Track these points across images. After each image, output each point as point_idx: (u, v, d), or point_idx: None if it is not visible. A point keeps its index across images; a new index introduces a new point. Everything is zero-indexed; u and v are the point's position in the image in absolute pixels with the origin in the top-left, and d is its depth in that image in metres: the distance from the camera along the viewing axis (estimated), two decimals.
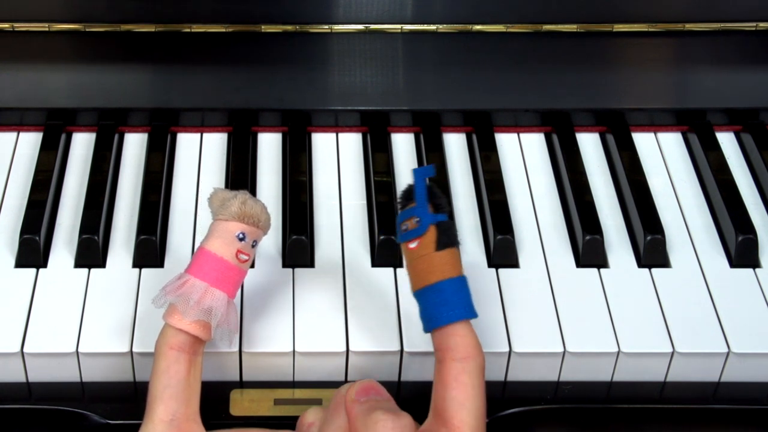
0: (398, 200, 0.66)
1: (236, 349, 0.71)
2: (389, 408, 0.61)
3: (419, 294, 0.64)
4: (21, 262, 0.76)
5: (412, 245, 0.64)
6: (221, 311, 0.64)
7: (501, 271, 0.78)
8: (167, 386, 0.62)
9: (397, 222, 0.66)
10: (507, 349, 0.72)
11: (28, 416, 0.71)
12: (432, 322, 0.63)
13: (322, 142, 0.89)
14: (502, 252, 0.78)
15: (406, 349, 0.72)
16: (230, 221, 0.66)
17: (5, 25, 0.88)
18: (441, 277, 0.63)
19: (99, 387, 0.72)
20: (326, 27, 0.90)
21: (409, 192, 0.65)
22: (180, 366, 0.63)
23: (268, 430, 0.65)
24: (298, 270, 0.77)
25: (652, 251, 0.79)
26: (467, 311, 0.63)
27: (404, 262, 0.66)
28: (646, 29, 0.92)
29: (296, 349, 0.71)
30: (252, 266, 0.77)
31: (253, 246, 0.67)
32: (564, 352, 0.72)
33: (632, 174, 0.85)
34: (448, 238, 0.64)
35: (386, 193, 0.82)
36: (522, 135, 0.90)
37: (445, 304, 0.62)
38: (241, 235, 0.66)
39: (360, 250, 0.79)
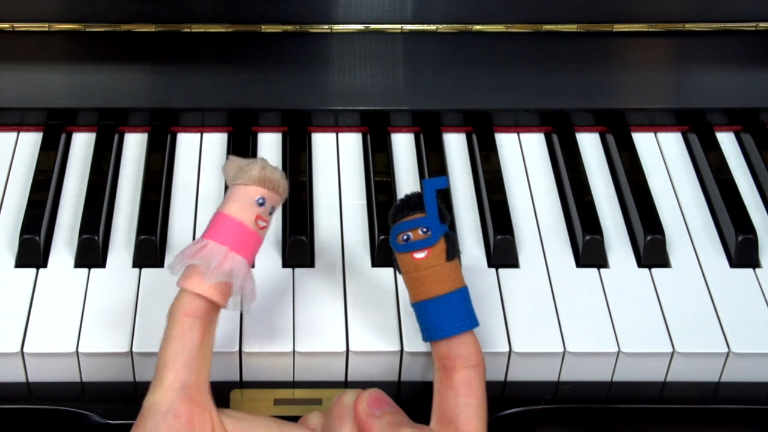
0: (395, 211, 0.65)
1: (236, 349, 0.71)
2: (410, 423, 0.62)
3: (425, 304, 0.64)
4: (21, 262, 0.76)
5: (420, 255, 0.64)
6: (243, 273, 0.63)
7: (501, 271, 0.78)
8: (180, 353, 0.61)
9: (395, 232, 0.65)
10: (507, 349, 0.72)
11: (28, 416, 0.71)
12: (441, 331, 0.63)
13: (322, 142, 0.89)
14: (502, 252, 0.78)
15: (406, 349, 0.72)
16: (250, 185, 0.65)
17: (5, 25, 0.88)
18: (452, 287, 0.64)
19: (99, 387, 0.72)
20: (326, 27, 0.90)
21: (410, 202, 0.65)
22: (194, 333, 0.62)
23: (274, 418, 0.64)
24: (298, 270, 0.77)
25: (652, 251, 0.79)
26: (474, 320, 0.64)
27: (402, 272, 0.65)
28: (646, 29, 0.92)
29: (296, 349, 0.71)
30: (252, 266, 0.77)
31: (270, 213, 0.66)
32: (564, 352, 0.72)
33: (632, 174, 0.85)
34: (455, 248, 0.64)
35: (386, 193, 0.82)
36: (522, 135, 0.90)
37: (455, 313, 0.63)
38: (261, 200, 0.64)
39: (360, 250, 0.79)
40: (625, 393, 0.73)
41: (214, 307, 0.63)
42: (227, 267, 0.62)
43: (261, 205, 0.64)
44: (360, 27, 0.90)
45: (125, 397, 0.71)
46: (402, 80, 0.90)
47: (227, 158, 0.66)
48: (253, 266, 0.77)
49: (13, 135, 0.88)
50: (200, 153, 0.87)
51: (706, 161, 0.87)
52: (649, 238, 0.79)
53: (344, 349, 0.72)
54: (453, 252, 0.64)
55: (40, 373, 0.72)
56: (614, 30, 0.92)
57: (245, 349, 0.71)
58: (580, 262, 0.79)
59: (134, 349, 0.71)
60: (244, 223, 0.64)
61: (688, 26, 0.92)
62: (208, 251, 0.63)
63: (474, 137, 0.89)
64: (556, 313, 0.74)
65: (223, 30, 0.90)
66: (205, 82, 0.89)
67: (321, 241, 0.79)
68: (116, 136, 0.87)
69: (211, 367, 0.71)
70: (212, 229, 0.64)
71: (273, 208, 0.66)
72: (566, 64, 0.91)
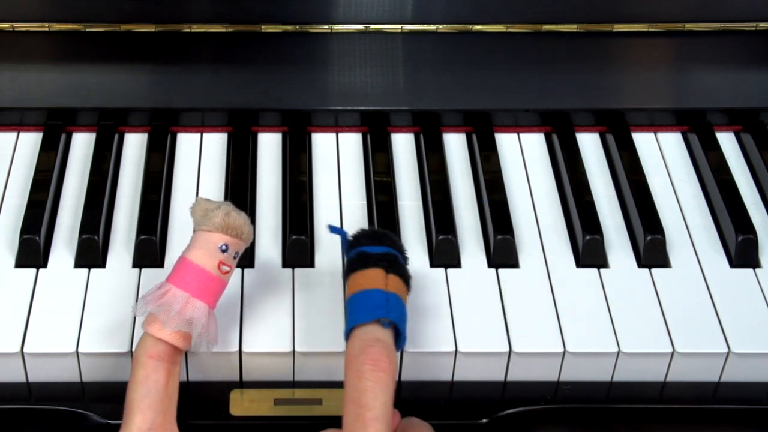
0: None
1: (236, 349, 0.71)
2: None
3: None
4: (21, 262, 0.76)
5: None
6: (202, 322, 0.64)
7: (501, 271, 0.78)
8: (145, 396, 0.62)
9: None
10: (507, 349, 0.72)
11: (28, 416, 0.71)
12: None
13: (322, 142, 0.89)
14: (502, 252, 0.78)
15: (406, 348, 0.71)
16: (213, 232, 0.66)
17: (5, 25, 0.88)
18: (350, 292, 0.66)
19: (99, 387, 0.72)
20: (326, 27, 0.90)
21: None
22: (159, 375, 0.63)
23: None
24: (298, 270, 0.77)
25: (652, 251, 0.79)
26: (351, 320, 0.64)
27: None
28: (646, 29, 0.92)
29: (296, 349, 0.71)
30: (252, 266, 0.77)
31: (234, 258, 0.67)
32: (564, 352, 0.72)
33: (632, 174, 0.85)
34: (349, 266, 0.66)
35: (386, 193, 0.82)
36: (522, 135, 0.90)
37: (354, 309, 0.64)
38: (224, 247, 0.66)
39: None
40: (625, 393, 0.73)
41: (176, 350, 0.64)
42: (188, 315, 0.64)
43: (224, 251, 0.66)
44: (360, 27, 0.90)
45: (125, 397, 0.71)
46: (402, 80, 0.90)
47: (195, 200, 0.67)
48: (253, 266, 0.77)
49: (13, 135, 0.88)
50: (200, 153, 0.87)
51: (706, 161, 0.87)
52: (649, 238, 0.79)
53: (344, 349, 0.71)
54: (347, 270, 0.66)
55: (40, 373, 0.72)
56: (614, 30, 0.92)
57: (245, 349, 0.71)
58: (580, 262, 0.79)
59: (134, 349, 0.71)
60: (206, 269, 0.65)
61: (688, 26, 0.92)
62: (170, 297, 0.64)
63: (474, 137, 0.89)
64: (556, 313, 0.74)
65: (223, 30, 0.90)
66: (205, 82, 0.89)
67: (321, 241, 0.79)
68: (116, 136, 0.87)
69: (212, 368, 0.71)
70: (176, 274, 0.65)
71: (237, 253, 0.67)
72: (566, 64, 0.91)
